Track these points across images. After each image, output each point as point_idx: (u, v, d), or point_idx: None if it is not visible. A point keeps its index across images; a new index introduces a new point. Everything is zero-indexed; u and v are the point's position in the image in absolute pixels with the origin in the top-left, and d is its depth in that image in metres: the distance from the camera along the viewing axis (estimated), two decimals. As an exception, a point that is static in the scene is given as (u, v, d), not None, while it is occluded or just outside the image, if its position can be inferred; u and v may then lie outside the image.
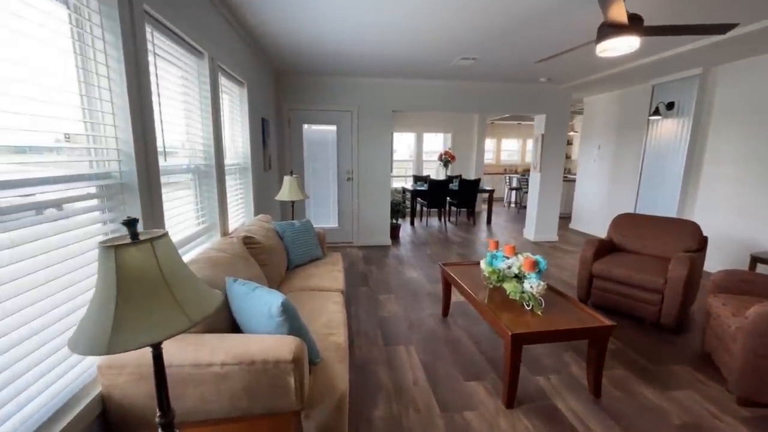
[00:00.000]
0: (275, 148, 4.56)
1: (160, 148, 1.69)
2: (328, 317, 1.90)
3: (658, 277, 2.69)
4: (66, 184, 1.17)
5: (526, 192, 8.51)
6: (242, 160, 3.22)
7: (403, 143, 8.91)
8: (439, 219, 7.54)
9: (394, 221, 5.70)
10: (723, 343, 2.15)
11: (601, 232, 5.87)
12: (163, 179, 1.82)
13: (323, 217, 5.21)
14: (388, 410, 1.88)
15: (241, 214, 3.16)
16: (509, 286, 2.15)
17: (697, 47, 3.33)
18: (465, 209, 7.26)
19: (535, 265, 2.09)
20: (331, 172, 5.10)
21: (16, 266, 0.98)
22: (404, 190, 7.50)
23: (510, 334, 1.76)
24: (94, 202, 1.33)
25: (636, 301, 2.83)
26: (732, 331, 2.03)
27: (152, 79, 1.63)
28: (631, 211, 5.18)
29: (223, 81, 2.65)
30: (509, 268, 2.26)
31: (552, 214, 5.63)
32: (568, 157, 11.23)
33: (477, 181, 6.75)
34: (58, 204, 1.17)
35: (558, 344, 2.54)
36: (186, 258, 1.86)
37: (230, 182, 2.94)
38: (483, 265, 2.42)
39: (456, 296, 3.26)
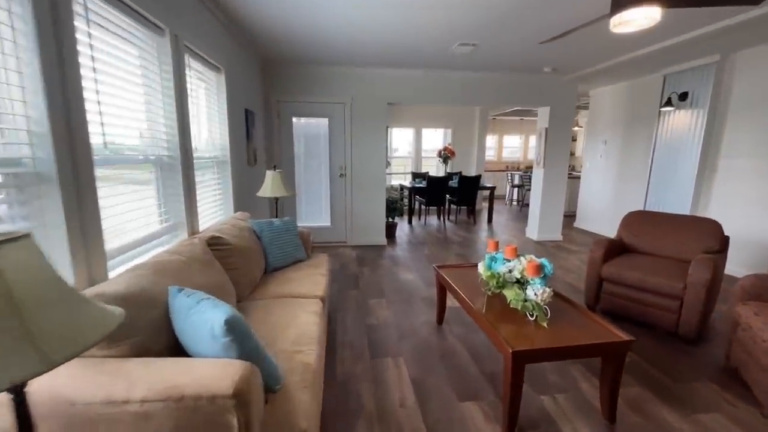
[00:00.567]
0: (262, 142, 4.31)
1: (97, 134, 1.43)
2: (300, 331, 1.64)
3: (676, 282, 2.42)
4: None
5: (529, 189, 8.23)
6: (220, 152, 2.97)
7: (403, 140, 8.64)
8: (438, 217, 7.28)
9: (390, 220, 5.44)
10: (754, 357, 1.88)
11: (608, 231, 5.60)
12: (107, 171, 1.57)
13: (315, 215, 4.95)
14: (369, 438, 1.62)
15: (218, 212, 2.91)
16: (510, 294, 1.89)
17: (716, 29, 3.04)
18: (465, 207, 6.99)
19: (539, 269, 1.82)
20: (323, 168, 4.84)
21: None
22: (402, 188, 7.24)
23: (511, 351, 1.50)
24: (-4, 194, 1.08)
25: (650, 307, 2.57)
26: (767, 346, 1.76)
27: (85, 50, 1.37)
28: (641, 208, 4.90)
29: (193, 64, 2.40)
30: (510, 272, 2.00)
31: (556, 212, 5.35)
32: (571, 153, 10.93)
33: (477, 178, 6.48)
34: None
35: (565, 357, 2.27)
36: (133, 263, 1.61)
37: (205, 177, 2.68)
38: (481, 268, 2.16)
39: (452, 301, 3.00)
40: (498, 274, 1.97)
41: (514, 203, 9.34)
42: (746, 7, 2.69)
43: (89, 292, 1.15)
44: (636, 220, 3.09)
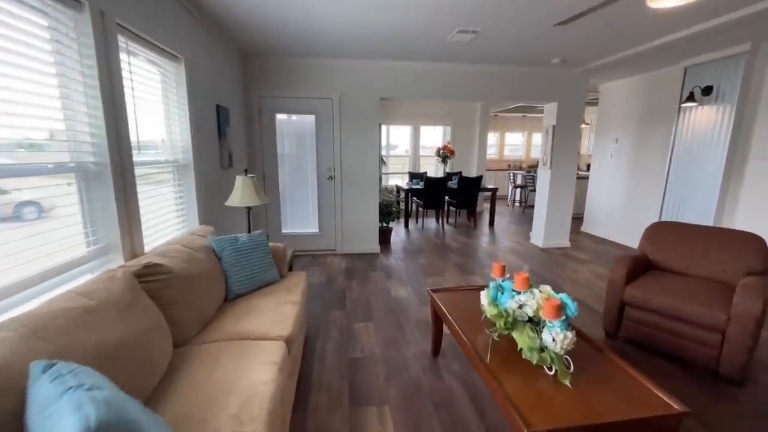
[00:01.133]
0: (240, 142, 3.89)
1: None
2: (247, 396, 1.24)
3: (717, 311, 2.02)
4: None
5: (532, 190, 7.83)
6: (181, 155, 2.56)
7: (400, 138, 8.22)
8: (437, 220, 6.87)
9: (384, 225, 5.04)
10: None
11: (619, 237, 5.20)
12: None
13: (301, 221, 4.55)
14: None
15: (178, 226, 2.51)
16: (522, 341, 1.49)
17: (749, 14, 2.63)
18: (465, 210, 6.58)
19: (559, 311, 1.42)
20: (309, 170, 4.43)
21: None
22: (398, 189, 6.84)
23: (526, 432, 1.11)
24: None
25: (684, 339, 2.17)
26: None
27: None
28: (656, 214, 4.50)
29: (135, 49, 1.98)
30: (521, 307, 1.60)
31: (563, 216, 4.95)
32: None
33: (479, 179, 6.07)
34: None
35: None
36: (14, 311, 1.20)
37: (159, 185, 2.28)
38: (484, 299, 1.76)
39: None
40: (506, 312, 1.57)
41: (517, 204, 8.94)
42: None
43: None
44: (662, 232, 2.69)
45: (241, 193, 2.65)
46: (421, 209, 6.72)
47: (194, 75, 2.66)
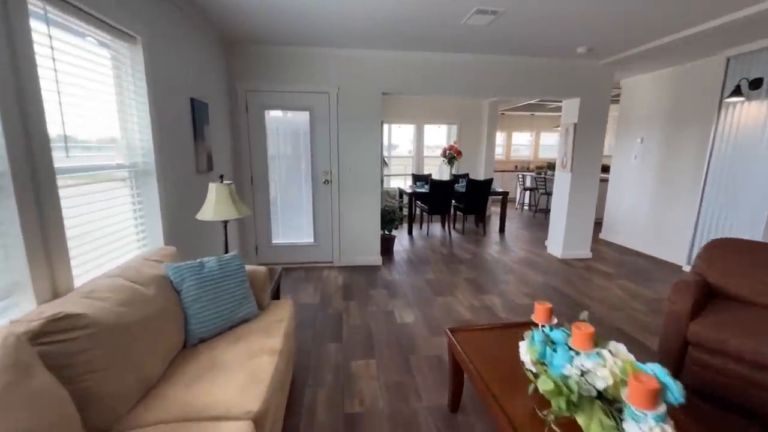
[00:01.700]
0: (223, 143, 3.42)
1: None
2: None
3: (824, 363, 1.55)
4: None
5: (544, 193, 7.36)
6: (141, 158, 2.09)
7: (403, 137, 7.75)
8: (443, 226, 6.40)
9: (387, 233, 4.57)
10: None
11: (644, 246, 4.72)
12: None
13: (295, 230, 4.08)
14: None
15: (133, 245, 2.04)
16: (593, 428, 1.02)
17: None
18: (472, 215, 6.10)
19: (657, 396, 0.95)
20: (303, 173, 3.96)
21: None
22: (401, 193, 6.37)
23: None
24: None
25: (772, 394, 1.70)
26: None
27: None
28: (689, 224, 4.02)
29: (58, 17, 1.51)
30: (583, 375, 1.13)
31: (585, 224, 4.47)
32: (587, 152, 10.03)
33: (488, 182, 5.60)
34: None
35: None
36: None
37: (105, 196, 1.81)
38: (525, 355, 1.29)
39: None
40: (567, 386, 1.10)
41: (525, 208, 8.46)
42: None
43: None
44: (725, 251, 2.21)
45: (215, 205, 2.17)
46: (425, 214, 6.26)
47: (158, 61, 2.19)
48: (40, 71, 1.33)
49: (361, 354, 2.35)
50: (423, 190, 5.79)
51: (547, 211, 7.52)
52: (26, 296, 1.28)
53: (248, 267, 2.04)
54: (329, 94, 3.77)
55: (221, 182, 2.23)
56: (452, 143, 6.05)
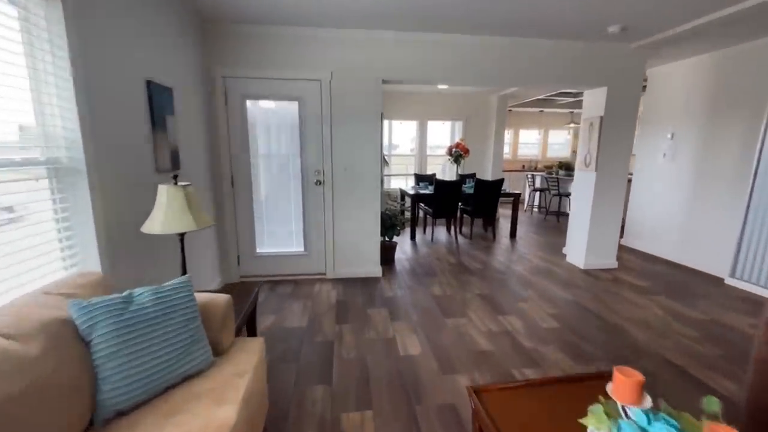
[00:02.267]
0: (195, 137, 2.92)
1: None
2: None
3: None
4: None
5: (556, 194, 6.86)
6: (65, 153, 1.60)
7: (404, 136, 7.24)
8: (448, 230, 5.91)
9: (387, 240, 4.08)
10: None
11: (675, 255, 4.22)
12: None
13: (281, 238, 3.58)
14: None
15: (56, 266, 1.54)
16: None
17: None
18: (480, 218, 5.60)
19: None
20: (292, 173, 3.46)
21: None
22: (403, 195, 5.87)
23: None
24: None
25: None
26: None
27: None
28: (735, 231, 3.52)
29: None
30: None
31: (611, 230, 3.97)
32: (598, 151, 9.53)
33: (498, 183, 5.10)
34: None
35: None
36: None
37: (13, 200, 1.31)
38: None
39: None
40: None
41: (535, 210, 7.96)
42: None
43: None
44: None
45: (165, 214, 1.67)
46: (429, 217, 5.77)
47: (93, 28, 1.70)
48: None
49: (354, 402, 1.85)
50: (427, 192, 5.30)
51: (558, 214, 7.03)
52: None
53: (203, 296, 1.55)
54: (321, 82, 3.27)
55: (175, 184, 1.73)
56: (459, 140, 5.55)
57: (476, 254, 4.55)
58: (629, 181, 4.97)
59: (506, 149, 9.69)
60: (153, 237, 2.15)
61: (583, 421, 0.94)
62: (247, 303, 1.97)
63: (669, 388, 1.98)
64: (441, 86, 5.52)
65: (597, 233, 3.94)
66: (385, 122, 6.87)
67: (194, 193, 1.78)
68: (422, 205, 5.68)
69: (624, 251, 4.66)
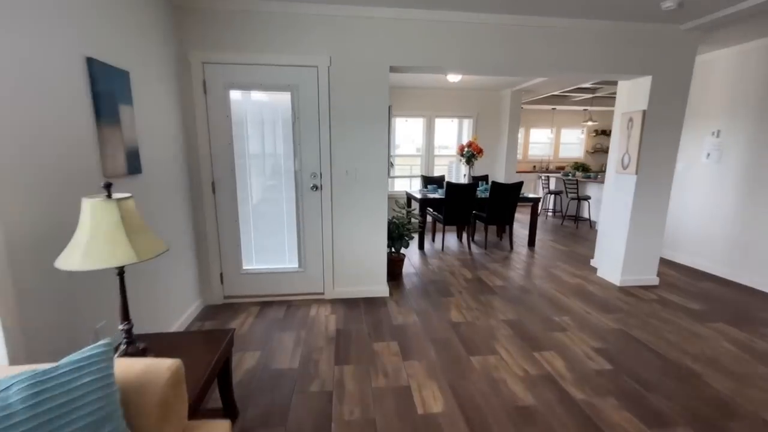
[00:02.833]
0: (164, 133, 2.41)
1: None
2: None
3: None
4: None
5: (574, 198, 6.34)
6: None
7: (407, 134, 6.71)
8: (458, 237, 5.40)
9: (395, 252, 3.57)
10: None
11: (724, 270, 3.71)
12: None
13: (273, 252, 3.06)
14: None
15: None
16: None
17: None
18: (495, 225, 5.07)
19: None
20: (284, 176, 2.95)
21: None
22: (410, 199, 5.36)
23: None
24: None
25: None
26: None
27: None
28: (803, 242, 3.01)
29: None
30: None
31: (652, 241, 3.46)
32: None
33: (517, 186, 4.59)
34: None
35: None
36: None
37: None
38: None
39: None
40: None
41: (549, 214, 7.45)
42: None
43: None
44: None
45: (89, 240, 1.16)
46: (437, 223, 5.27)
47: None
48: None
49: (361, 499, 1.33)
50: (436, 196, 4.79)
51: (577, 219, 6.51)
52: None
53: (136, 367, 1.03)
54: (318, 69, 2.76)
55: (108, 196, 1.22)
56: (472, 139, 5.04)
57: (494, 267, 4.03)
58: (663, 184, 4.45)
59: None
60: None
61: None
62: (217, 354, 1.45)
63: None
64: (452, 79, 5.01)
65: (636, 245, 3.43)
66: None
67: (135, 209, 1.26)
68: (430, 209, 5.17)
69: (662, 264, 4.15)
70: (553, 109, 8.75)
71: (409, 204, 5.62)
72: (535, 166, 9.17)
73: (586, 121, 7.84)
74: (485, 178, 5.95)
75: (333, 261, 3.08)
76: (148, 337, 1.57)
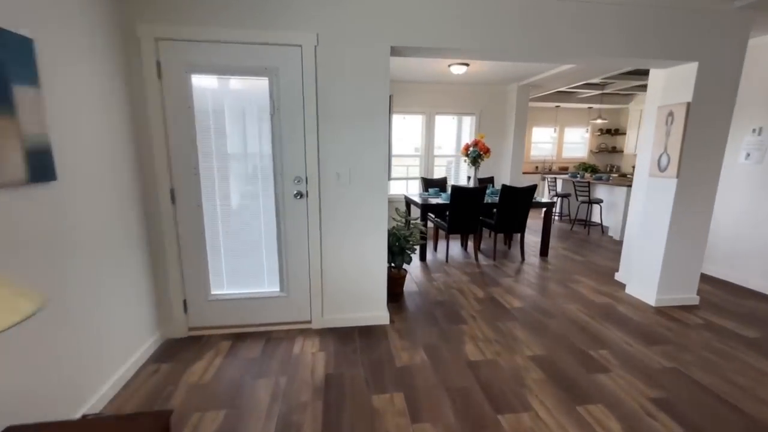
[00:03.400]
0: (100, 126, 1.85)
1: None
2: None
3: None
4: None
5: (585, 201, 5.89)
6: None
7: (403, 133, 6.19)
8: (463, 245, 4.90)
9: (395, 268, 3.06)
10: None
11: (760, 284, 3.27)
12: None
13: (247, 275, 2.52)
14: None
15: None
16: None
17: None
18: (504, 233, 4.57)
19: None
20: (261, 181, 2.41)
21: None
22: (409, 204, 4.85)
23: None
24: None
25: None
26: None
27: None
28: None
29: None
30: None
31: (694, 255, 2.99)
32: (619, 151, 8.64)
33: (530, 191, 4.11)
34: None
35: None
36: None
37: None
38: None
39: None
40: None
41: (556, 218, 7.00)
42: None
43: None
44: None
45: None
46: (441, 230, 4.79)
47: None
48: None
49: None
50: (439, 201, 4.29)
51: (588, 224, 6.07)
52: None
53: None
54: (303, 49, 2.23)
55: None
56: (478, 137, 4.54)
57: (507, 283, 3.53)
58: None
59: (518, 149, 8.74)
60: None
61: None
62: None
63: None
64: (456, 71, 4.51)
65: (675, 259, 2.96)
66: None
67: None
68: (432, 216, 4.67)
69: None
70: (557, 106, 8.33)
71: (408, 210, 5.11)
72: (537, 167, 8.73)
73: (596, 119, 7.41)
74: (491, 180, 5.47)
75: (322, 283, 2.55)
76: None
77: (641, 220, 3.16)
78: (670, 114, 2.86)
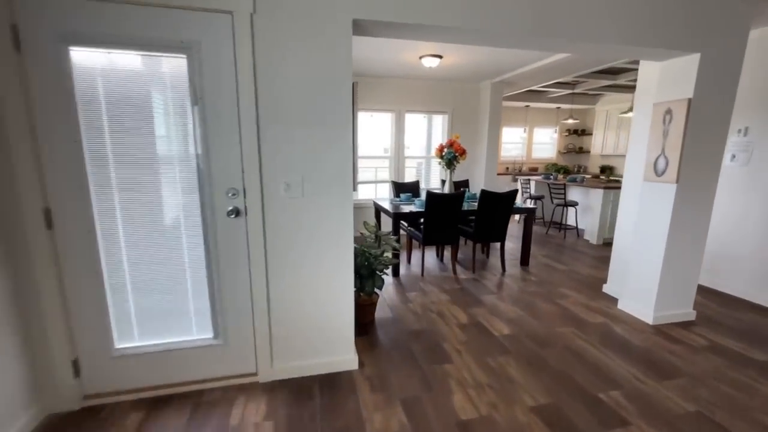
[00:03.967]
0: None
1: None
2: None
3: None
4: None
5: (561, 204, 5.69)
6: None
7: (369, 133, 5.68)
8: (438, 256, 4.48)
9: (362, 292, 2.55)
10: None
11: (759, 296, 3.10)
12: None
13: (164, 319, 1.89)
14: None
15: None
16: None
17: None
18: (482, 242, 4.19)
19: None
20: (181, 195, 1.80)
21: None
22: (379, 211, 4.37)
23: None
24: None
25: None
26: None
27: None
28: None
29: None
30: None
31: (690, 267, 2.73)
32: (586, 151, 8.65)
33: (511, 196, 3.75)
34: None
35: None
36: None
37: None
38: None
39: None
40: None
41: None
42: None
43: None
44: None
45: None
46: (415, 240, 4.35)
47: None
48: None
49: None
50: (412, 208, 3.83)
51: (563, 227, 5.89)
52: None
53: None
54: (234, 17, 1.65)
55: None
56: (453, 137, 4.13)
57: (490, 301, 3.13)
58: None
59: (488, 149, 8.53)
60: None
61: None
62: None
63: None
64: (428, 64, 4.07)
65: (673, 272, 2.68)
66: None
67: None
68: (404, 224, 4.22)
69: (676, 285, 3.48)
70: (526, 106, 8.19)
71: (378, 218, 4.62)
72: (508, 168, 8.57)
73: (566, 119, 7.31)
74: (466, 183, 5.11)
75: (270, 323, 1.99)
76: None
77: (635, 230, 2.86)
78: (668, 112, 2.57)
